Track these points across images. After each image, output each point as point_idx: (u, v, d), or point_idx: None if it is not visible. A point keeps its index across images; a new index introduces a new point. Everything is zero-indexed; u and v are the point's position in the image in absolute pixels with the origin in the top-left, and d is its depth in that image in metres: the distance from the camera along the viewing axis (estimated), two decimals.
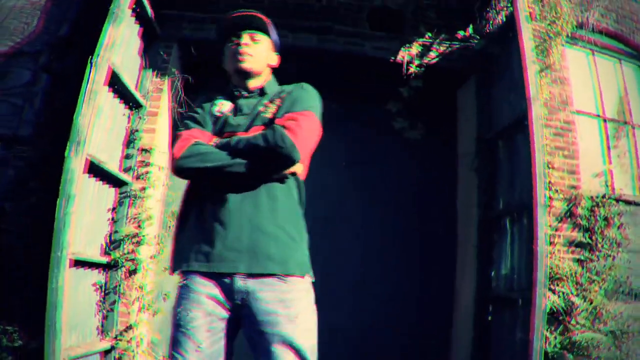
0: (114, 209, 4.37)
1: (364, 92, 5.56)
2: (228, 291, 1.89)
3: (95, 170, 3.87)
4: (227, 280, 1.89)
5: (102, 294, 4.17)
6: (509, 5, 4.72)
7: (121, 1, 3.74)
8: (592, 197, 4.78)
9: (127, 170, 4.47)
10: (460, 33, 5.06)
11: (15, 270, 4.02)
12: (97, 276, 4.11)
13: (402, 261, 5.32)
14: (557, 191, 4.72)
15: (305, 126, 1.97)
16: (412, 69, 5.03)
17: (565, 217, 4.73)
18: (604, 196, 4.82)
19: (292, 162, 1.94)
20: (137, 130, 4.54)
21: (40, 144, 4.26)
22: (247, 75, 2.16)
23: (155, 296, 4.52)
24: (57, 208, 3.38)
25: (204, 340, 1.86)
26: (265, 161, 1.94)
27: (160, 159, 4.69)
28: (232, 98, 2.19)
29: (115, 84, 4.03)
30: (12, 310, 3.93)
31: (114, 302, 4.21)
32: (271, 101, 2.13)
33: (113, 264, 4.23)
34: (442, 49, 5.15)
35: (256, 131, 2.00)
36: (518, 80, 4.28)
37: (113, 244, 4.31)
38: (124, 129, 4.47)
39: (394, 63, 5.11)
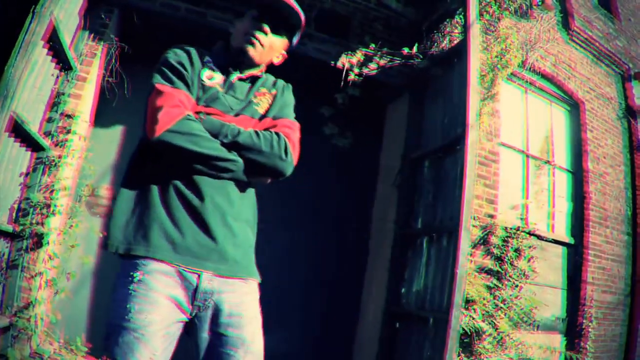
0: (27, 174, 4.01)
1: (299, 92, 5.49)
2: (192, 291, 1.73)
3: (16, 129, 3.53)
4: (193, 277, 1.73)
5: (5, 265, 3.80)
6: (461, 32, 4.86)
7: None
8: (506, 228, 5.02)
9: (47, 134, 4.12)
10: (405, 50, 5.14)
11: None
12: (1, 244, 3.75)
13: (313, 271, 5.32)
14: (475, 218, 4.90)
15: (298, 142, 1.96)
16: (352, 76, 5.04)
17: (480, 244, 4.93)
18: (517, 228, 5.07)
19: (284, 175, 1.89)
20: (63, 94, 4.20)
21: None
22: (248, 61, 2.00)
23: (59, 273, 4.20)
24: None
25: (158, 347, 1.66)
26: (261, 166, 1.84)
27: (83, 127, 4.38)
28: (225, 72, 1.99)
29: (52, 40, 3.70)
30: None
31: (14, 276, 3.85)
32: (262, 94, 2.02)
33: (19, 233, 3.87)
34: (383, 62, 5.21)
35: (245, 121, 1.89)
36: (457, 104, 4.39)
37: (22, 211, 3.95)
38: (49, 90, 4.12)
39: (334, 68, 5.11)
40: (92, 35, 4.37)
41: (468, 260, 4.71)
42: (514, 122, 5.80)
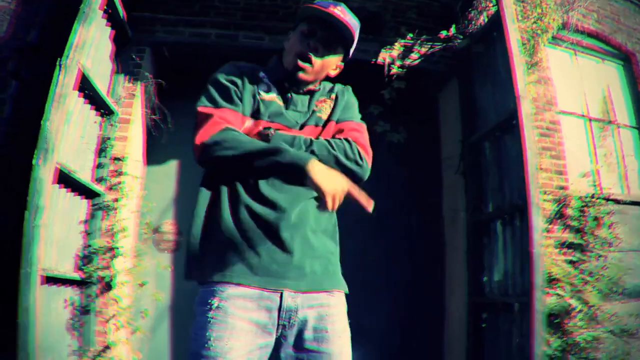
0: (86, 221, 4.12)
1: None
2: (275, 311, 1.68)
3: (65, 180, 3.63)
4: (274, 297, 1.67)
5: (77, 312, 3.90)
6: (494, 4, 4.63)
7: (92, 0, 3.51)
8: (580, 197, 4.71)
9: (99, 180, 4.23)
10: (443, 33, 4.95)
11: None
12: (71, 293, 3.85)
13: (387, 275, 5.16)
14: (546, 192, 4.63)
15: (368, 143, 1.89)
16: (394, 70, 4.89)
17: (556, 219, 4.64)
18: (592, 196, 4.75)
19: (362, 181, 1.80)
20: (109, 138, 4.30)
21: (9, 155, 3.99)
22: (301, 84, 1.92)
23: (133, 313, 4.28)
24: (25, 221, 3.13)
25: None
26: None
27: (134, 167, 4.47)
28: (282, 87, 1.91)
29: (86, 88, 3.80)
30: None
31: (89, 321, 3.95)
32: (322, 101, 1.95)
33: (87, 279, 3.97)
34: (424, 50, 5.03)
35: (311, 131, 1.84)
36: (505, 79, 4.18)
37: (86, 258, 4.05)
38: (95, 137, 4.23)
39: (374, 65, 4.97)
40: (128, 76, 4.46)
41: (545, 237, 4.44)
42: (568, 87, 5.46)
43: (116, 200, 4.25)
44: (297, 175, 1.65)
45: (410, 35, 4.99)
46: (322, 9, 1.81)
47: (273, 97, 1.87)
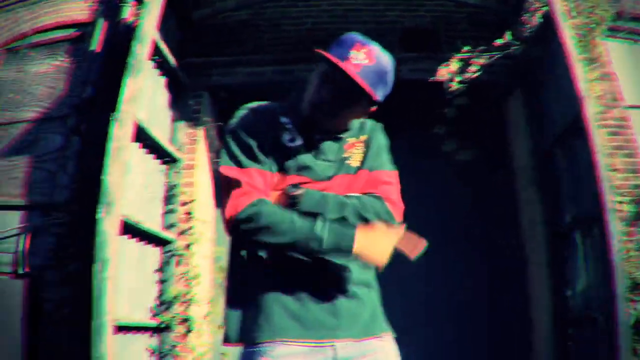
0: (160, 269, 4.20)
1: (409, 117, 5.27)
2: None
3: (132, 230, 3.72)
4: (327, 350, 1.57)
5: (156, 357, 3.96)
6: (543, 3, 4.40)
7: (138, 52, 3.62)
8: None
9: (169, 227, 4.31)
10: (498, 41, 4.73)
11: (58, 341, 3.88)
12: (147, 340, 3.91)
13: (471, 290, 4.91)
14: (622, 194, 4.24)
15: (399, 195, 1.76)
16: (454, 86, 4.71)
17: (635, 220, 4.24)
18: None
19: None
20: (175, 186, 4.40)
21: (75, 209, 4.17)
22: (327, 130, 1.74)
23: (212, 358, 4.29)
24: (93, 274, 3.21)
25: None
26: None
27: (203, 212, 4.52)
28: (306, 131, 1.72)
29: (146, 139, 3.91)
30: None
31: None
32: (352, 145, 1.77)
33: (164, 326, 4.03)
34: (481, 61, 4.81)
35: (341, 183, 1.69)
36: (565, 80, 3.90)
37: (162, 305, 4.11)
38: (161, 185, 4.34)
39: (433, 83, 4.81)
40: (187, 122, 4.56)
41: (625, 242, 4.07)
42: (632, 79, 5.03)
43: (187, 246, 4.31)
44: (342, 255, 1.57)
45: (466, 47, 4.80)
46: (333, 61, 1.57)
47: (299, 146, 1.69)
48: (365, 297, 1.68)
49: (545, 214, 4.50)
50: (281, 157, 1.66)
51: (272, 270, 1.60)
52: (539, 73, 4.62)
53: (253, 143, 1.64)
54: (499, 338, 4.77)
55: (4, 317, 4.14)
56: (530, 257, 4.74)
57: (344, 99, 1.63)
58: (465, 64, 4.81)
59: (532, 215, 4.73)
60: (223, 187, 1.63)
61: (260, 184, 1.60)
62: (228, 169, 1.62)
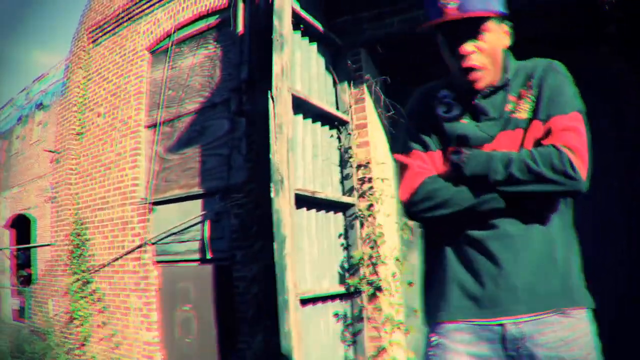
0: (343, 234, 4.22)
1: (568, 38, 4.46)
2: (498, 342, 1.54)
3: (309, 201, 3.76)
4: (497, 328, 1.53)
5: (344, 323, 4.03)
6: None
7: (277, 27, 3.54)
8: None
9: (348, 191, 4.29)
10: None
11: (254, 316, 4.11)
12: (335, 307, 3.99)
13: None
14: None
15: (586, 141, 1.52)
16: None
17: None
18: None
19: (578, 195, 1.49)
20: (349, 148, 4.34)
21: (252, 189, 4.32)
22: (481, 91, 1.64)
23: (404, 314, 4.25)
24: (274, 252, 3.30)
25: None
26: (545, 193, 1.50)
27: (380, 170, 4.40)
28: (464, 100, 1.68)
29: (308, 109, 3.88)
30: None
31: (360, 329, 4.05)
32: (518, 95, 1.61)
33: (353, 290, 4.07)
34: None
35: (509, 140, 1.58)
36: None
37: (349, 270, 4.15)
38: (334, 151, 4.31)
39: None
40: (350, 82, 4.43)
41: None
42: None
43: (370, 207, 4.25)
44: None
45: None
46: (435, 24, 1.56)
47: (455, 116, 1.69)
48: (546, 268, 1.54)
49: None
50: (441, 131, 1.70)
51: (453, 248, 1.63)
52: None
53: (416, 126, 1.75)
54: None
55: (203, 301, 4.55)
56: None
57: (475, 36, 1.55)
58: None
59: None
60: (399, 174, 1.74)
61: (428, 164, 1.68)
62: (399, 156, 1.76)
